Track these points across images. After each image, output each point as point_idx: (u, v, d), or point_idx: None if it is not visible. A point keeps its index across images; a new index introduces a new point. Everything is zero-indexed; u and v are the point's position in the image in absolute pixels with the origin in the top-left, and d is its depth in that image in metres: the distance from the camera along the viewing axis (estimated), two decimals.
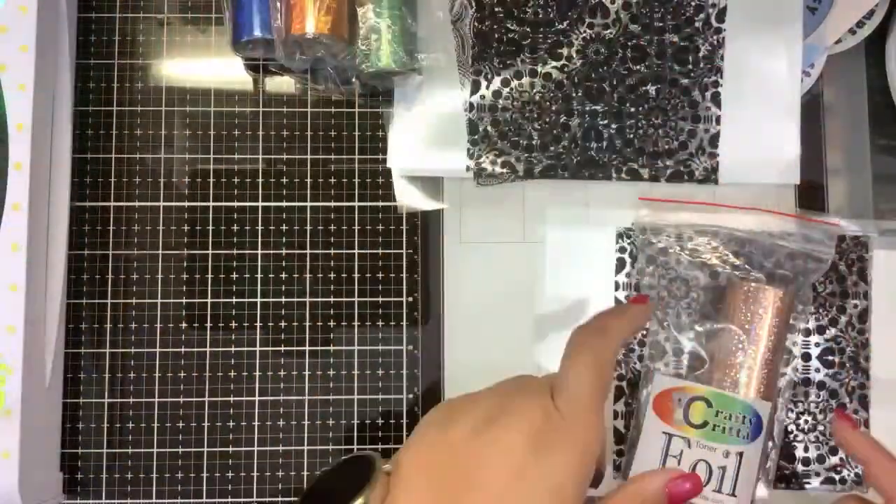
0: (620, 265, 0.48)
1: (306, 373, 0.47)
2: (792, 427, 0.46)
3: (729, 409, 0.42)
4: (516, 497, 0.32)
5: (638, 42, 0.48)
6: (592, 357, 0.35)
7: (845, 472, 0.46)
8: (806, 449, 0.46)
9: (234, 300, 0.47)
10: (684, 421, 0.42)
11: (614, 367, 0.36)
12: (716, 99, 0.47)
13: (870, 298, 0.47)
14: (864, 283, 0.47)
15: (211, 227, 0.48)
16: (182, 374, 0.47)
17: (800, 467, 0.46)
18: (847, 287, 0.47)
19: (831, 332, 0.47)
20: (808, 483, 0.46)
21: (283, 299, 0.48)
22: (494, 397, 0.35)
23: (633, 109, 0.47)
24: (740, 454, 0.41)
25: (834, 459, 0.46)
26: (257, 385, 0.47)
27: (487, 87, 0.47)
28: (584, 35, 0.47)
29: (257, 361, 0.47)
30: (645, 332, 0.47)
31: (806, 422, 0.46)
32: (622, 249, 0.48)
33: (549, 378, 0.36)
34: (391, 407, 0.47)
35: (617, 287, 0.47)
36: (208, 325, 0.47)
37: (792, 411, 0.46)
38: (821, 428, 0.46)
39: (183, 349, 0.47)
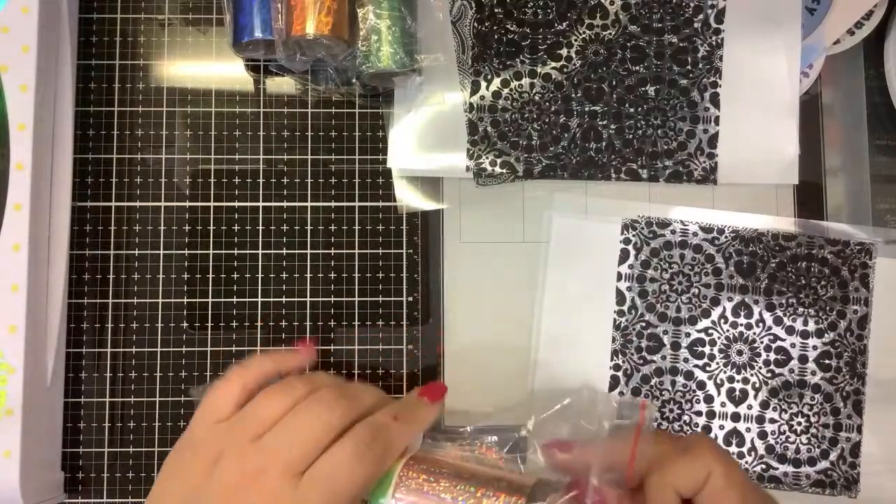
0: (624, 256, 0.48)
1: (306, 372, 0.47)
2: (784, 428, 0.46)
3: None
4: None
5: (637, 43, 0.48)
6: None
7: (836, 475, 0.46)
8: (797, 450, 0.46)
9: (234, 300, 0.48)
10: None
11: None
12: (714, 99, 0.48)
13: (870, 305, 0.47)
14: (865, 290, 0.47)
15: (212, 227, 0.48)
16: (182, 374, 0.47)
17: (791, 468, 0.46)
18: (848, 292, 0.47)
19: (830, 335, 0.47)
20: (799, 484, 0.46)
21: (284, 299, 0.48)
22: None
23: (632, 110, 0.48)
24: None
25: (825, 463, 0.46)
26: None
27: (487, 88, 0.48)
28: (584, 36, 0.48)
29: None
30: (644, 325, 0.47)
31: (799, 423, 0.46)
32: (626, 241, 0.48)
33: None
34: None
35: (619, 277, 0.47)
36: (209, 324, 0.47)
37: (785, 412, 0.46)
38: (813, 430, 0.46)
39: (184, 349, 0.47)
